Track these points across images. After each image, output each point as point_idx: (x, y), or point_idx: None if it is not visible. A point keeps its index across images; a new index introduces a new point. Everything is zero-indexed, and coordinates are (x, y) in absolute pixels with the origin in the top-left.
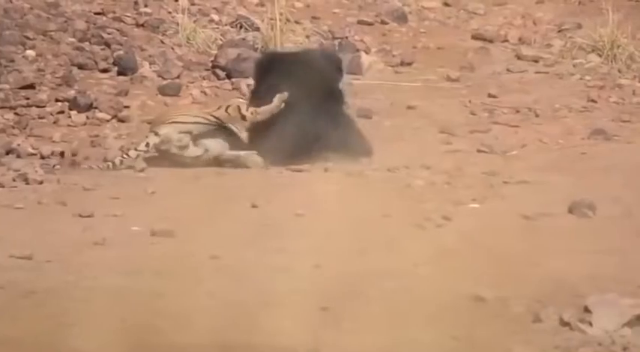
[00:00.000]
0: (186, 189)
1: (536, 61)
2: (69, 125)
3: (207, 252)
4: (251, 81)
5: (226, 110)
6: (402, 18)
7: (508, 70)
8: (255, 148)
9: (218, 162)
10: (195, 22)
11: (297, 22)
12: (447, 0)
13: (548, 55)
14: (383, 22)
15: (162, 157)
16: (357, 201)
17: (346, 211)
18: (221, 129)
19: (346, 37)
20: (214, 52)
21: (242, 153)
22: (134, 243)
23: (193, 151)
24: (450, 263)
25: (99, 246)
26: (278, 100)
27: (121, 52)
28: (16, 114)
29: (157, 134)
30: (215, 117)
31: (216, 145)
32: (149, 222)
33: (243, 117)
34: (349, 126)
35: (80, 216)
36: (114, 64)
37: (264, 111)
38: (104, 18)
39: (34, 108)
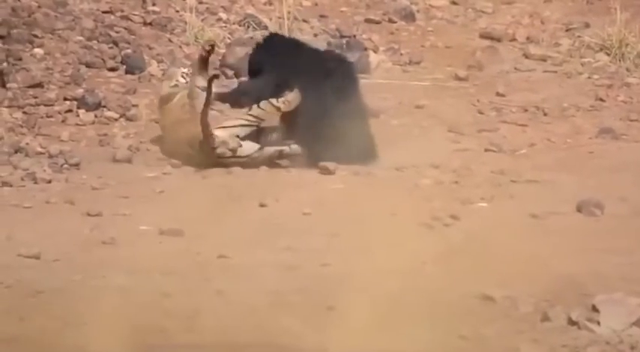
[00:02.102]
0: (195, 189)
1: (544, 60)
2: (77, 124)
3: (215, 251)
4: None
5: (259, 107)
6: (409, 16)
7: (516, 68)
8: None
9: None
10: (203, 20)
11: (304, 21)
12: None
13: (557, 53)
14: (391, 21)
15: (215, 161)
16: (365, 200)
17: (354, 210)
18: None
19: (354, 36)
20: (222, 50)
21: (284, 147)
22: (142, 243)
23: (248, 149)
24: (457, 262)
25: (107, 246)
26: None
27: (129, 51)
28: (24, 113)
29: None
30: (254, 116)
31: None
32: (157, 222)
33: (278, 109)
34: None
35: (88, 215)
36: (122, 62)
37: (294, 98)
38: (112, 16)
39: (42, 107)
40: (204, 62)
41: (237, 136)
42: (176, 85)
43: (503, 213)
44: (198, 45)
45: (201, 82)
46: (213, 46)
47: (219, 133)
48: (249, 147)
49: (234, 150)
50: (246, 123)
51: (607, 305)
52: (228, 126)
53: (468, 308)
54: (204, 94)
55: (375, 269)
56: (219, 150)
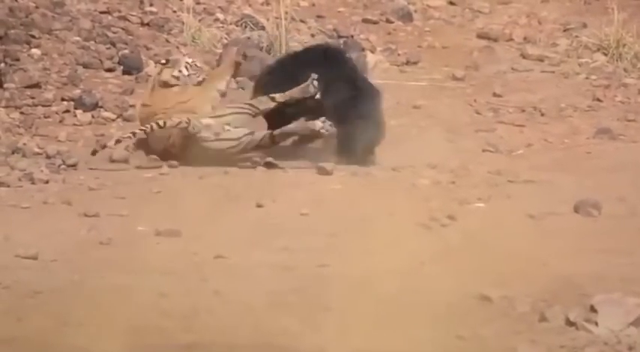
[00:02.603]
0: (192, 189)
1: (541, 60)
2: (74, 124)
3: (212, 252)
4: None
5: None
6: (407, 17)
7: (513, 69)
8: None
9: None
10: (200, 21)
11: (302, 21)
12: None
13: (554, 54)
14: (388, 21)
15: (198, 150)
16: (362, 201)
17: (351, 210)
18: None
19: (351, 36)
20: (219, 51)
21: (309, 122)
22: (139, 243)
23: (236, 132)
24: (455, 262)
25: (104, 246)
26: (310, 80)
27: (127, 51)
28: (21, 113)
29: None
30: (249, 105)
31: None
32: (155, 222)
33: (273, 99)
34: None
35: (86, 215)
36: (119, 63)
37: (296, 91)
38: (109, 17)
39: (39, 107)
40: (237, 68)
41: (228, 124)
42: (178, 78)
43: (501, 214)
44: (196, 45)
45: (223, 86)
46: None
47: (207, 121)
48: (236, 131)
49: (217, 134)
50: (239, 110)
51: (605, 305)
52: (219, 115)
53: (466, 308)
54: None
55: (373, 269)
56: (203, 134)
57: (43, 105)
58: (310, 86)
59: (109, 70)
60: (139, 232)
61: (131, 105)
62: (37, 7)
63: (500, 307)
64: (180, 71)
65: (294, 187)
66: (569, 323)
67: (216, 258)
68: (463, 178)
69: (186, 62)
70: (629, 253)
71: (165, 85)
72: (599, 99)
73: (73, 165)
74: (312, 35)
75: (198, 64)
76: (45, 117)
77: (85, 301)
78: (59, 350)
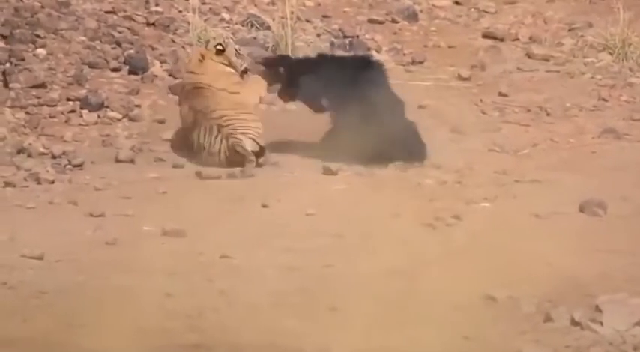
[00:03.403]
0: (197, 189)
1: (547, 60)
2: (80, 124)
3: (217, 252)
4: None
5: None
6: (412, 17)
7: (519, 68)
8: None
9: None
10: (206, 21)
11: (307, 21)
12: None
13: (559, 53)
14: (394, 21)
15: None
16: (368, 201)
17: (356, 211)
18: None
19: (357, 36)
20: None
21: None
22: (145, 243)
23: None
24: (460, 262)
25: (110, 246)
26: None
27: (132, 51)
28: (27, 113)
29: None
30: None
31: None
32: (160, 222)
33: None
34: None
35: (91, 215)
36: (125, 63)
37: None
38: (115, 17)
39: (45, 107)
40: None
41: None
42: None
43: (506, 213)
44: (202, 45)
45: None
46: None
47: (242, 137)
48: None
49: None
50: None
51: (610, 305)
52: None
53: (471, 308)
54: None
55: (378, 269)
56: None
57: (49, 105)
58: None
59: (115, 70)
60: (144, 232)
61: (137, 106)
62: (42, 7)
63: (505, 307)
64: (231, 59)
65: (299, 187)
66: (575, 323)
67: (221, 258)
68: (469, 178)
69: (236, 49)
70: (635, 253)
71: (225, 58)
72: (604, 99)
73: (79, 165)
74: (318, 35)
75: (241, 52)
76: (51, 117)
77: (91, 301)
78: (64, 351)
